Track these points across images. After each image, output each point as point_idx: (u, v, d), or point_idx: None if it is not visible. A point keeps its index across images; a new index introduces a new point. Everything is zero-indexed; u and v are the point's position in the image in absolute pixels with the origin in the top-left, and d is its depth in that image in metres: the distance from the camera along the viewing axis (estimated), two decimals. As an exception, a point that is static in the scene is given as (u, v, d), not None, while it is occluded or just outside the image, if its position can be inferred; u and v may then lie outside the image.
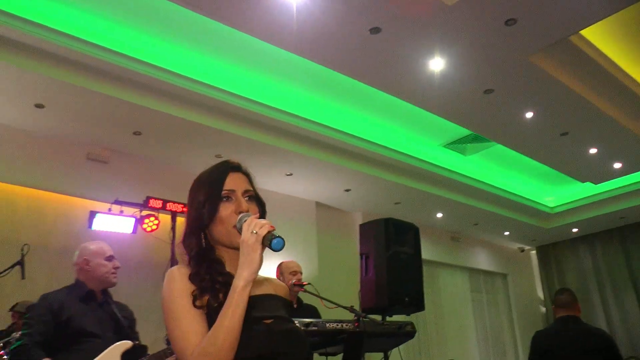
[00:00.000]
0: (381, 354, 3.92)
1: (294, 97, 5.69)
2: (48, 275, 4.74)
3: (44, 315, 2.72)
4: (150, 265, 5.60)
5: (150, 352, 2.97)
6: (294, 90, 5.60)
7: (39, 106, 4.78)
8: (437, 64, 4.74)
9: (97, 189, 5.48)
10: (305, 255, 7.02)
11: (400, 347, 3.83)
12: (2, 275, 3.59)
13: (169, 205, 5.42)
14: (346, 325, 3.32)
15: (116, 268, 3.04)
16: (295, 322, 1.57)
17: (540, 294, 10.90)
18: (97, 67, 4.51)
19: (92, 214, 5.22)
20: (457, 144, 6.88)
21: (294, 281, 4.03)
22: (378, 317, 4.15)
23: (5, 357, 2.83)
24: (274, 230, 1.38)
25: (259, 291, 1.53)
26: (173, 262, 5.11)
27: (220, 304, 1.38)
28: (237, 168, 1.59)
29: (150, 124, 5.26)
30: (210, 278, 1.45)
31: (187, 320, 1.40)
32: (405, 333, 3.59)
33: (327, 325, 3.30)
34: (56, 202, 5.40)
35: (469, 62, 4.75)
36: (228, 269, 1.50)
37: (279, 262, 4.42)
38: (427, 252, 8.48)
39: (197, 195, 1.53)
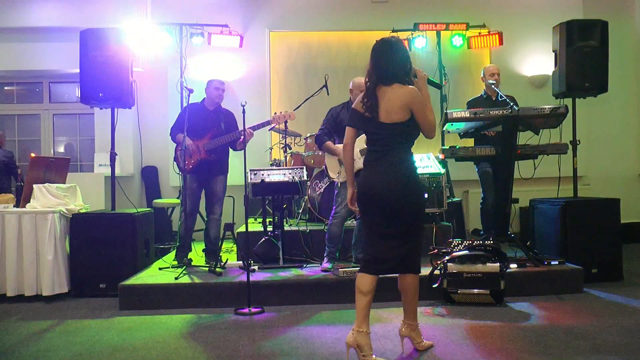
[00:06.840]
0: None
1: None
2: (343, 93, 7.08)
3: (330, 119, 4.92)
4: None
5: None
6: None
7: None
8: None
9: (380, 22, 7.50)
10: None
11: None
12: (314, 95, 6.28)
13: (431, 27, 7.15)
14: (506, 111, 4.67)
15: None
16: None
17: None
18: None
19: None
20: None
21: (491, 81, 5.37)
22: (568, 101, 5.21)
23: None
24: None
25: None
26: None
27: None
28: None
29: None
30: None
31: None
32: (559, 114, 4.66)
33: (491, 112, 4.72)
34: (351, 38, 7.87)
35: None
36: None
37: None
38: None
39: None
